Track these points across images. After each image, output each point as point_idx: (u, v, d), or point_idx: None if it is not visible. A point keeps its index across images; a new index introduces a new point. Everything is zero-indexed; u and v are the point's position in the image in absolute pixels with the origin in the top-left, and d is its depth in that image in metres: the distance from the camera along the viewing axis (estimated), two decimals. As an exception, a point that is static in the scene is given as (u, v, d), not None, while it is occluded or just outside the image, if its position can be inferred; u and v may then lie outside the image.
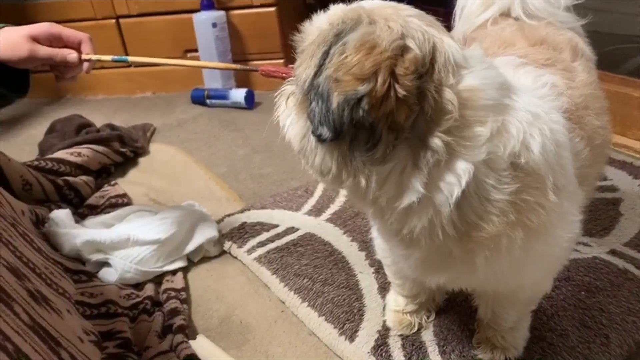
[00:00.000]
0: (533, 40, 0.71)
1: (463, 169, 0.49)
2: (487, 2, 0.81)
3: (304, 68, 0.50)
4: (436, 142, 0.48)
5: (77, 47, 0.88)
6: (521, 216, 0.53)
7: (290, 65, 0.80)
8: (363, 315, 0.86)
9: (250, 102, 1.77)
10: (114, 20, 1.87)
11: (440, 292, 0.85)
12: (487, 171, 0.51)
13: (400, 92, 0.46)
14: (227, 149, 1.54)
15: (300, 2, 2.12)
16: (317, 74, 0.49)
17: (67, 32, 0.87)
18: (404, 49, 0.47)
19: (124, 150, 1.44)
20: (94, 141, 1.39)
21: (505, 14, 0.81)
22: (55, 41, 0.86)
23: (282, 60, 1.88)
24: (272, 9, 1.79)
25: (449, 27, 0.97)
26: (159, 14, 1.84)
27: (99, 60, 0.89)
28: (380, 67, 0.46)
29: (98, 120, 1.61)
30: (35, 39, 0.84)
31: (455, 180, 0.50)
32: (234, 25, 1.82)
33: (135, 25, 1.87)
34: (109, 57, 0.89)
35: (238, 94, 1.76)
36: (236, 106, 1.77)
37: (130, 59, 0.92)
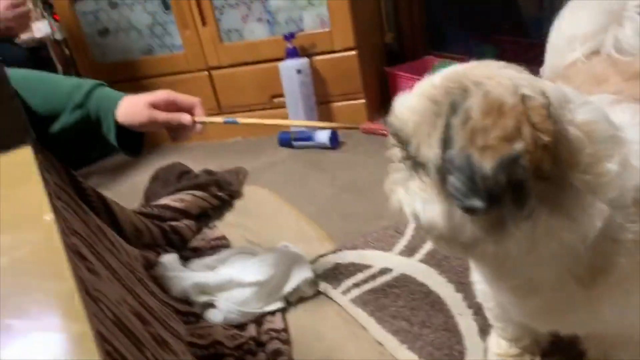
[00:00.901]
0: (627, 75, 0.70)
1: (599, 209, 0.48)
2: (577, 40, 0.81)
3: (426, 149, 0.51)
4: (575, 182, 0.48)
5: (190, 111, 0.97)
6: (607, 261, 0.52)
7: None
8: (464, 359, 0.86)
9: (335, 142, 1.83)
10: (206, 72, 2.01)
11: (545, 335, 0.83)
12: (615, 209, 0.50)
13: (545, 138, 0.46)
14: (315, 189, 1.59)
15: (379, 44, 2.18)
16: (445, 149, 0.49)
17: (181, 97, 0.96)
18: (526, 99, 0.48)
19: (221, 194, 1.52)
20: (193, 187, 1.49)
21: (597, 51, 0.80)
22: (171, 106, 0.95)
23: (363, 101, 1.93)
24: (353, 52, 1.85)
25: (534, 58, 0.98)
26: (248, 64, 1.96)
27: (211, 123, 0.97)
28: (521, 121, 0.46)
29: (195, 165, 1.73)
30: (154, 106, 0.93)
31: (592, 222, 0.49)
32: (317, 70, 1.90)
33: (225, 75, 2.00)
34: (220, 119, 0.97)
35: (322, 135, 1.82)
36: (321, 147, 1.84)
37: (240, 120, 0.99)
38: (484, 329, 0.90)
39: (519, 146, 0.45)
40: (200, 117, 0.97)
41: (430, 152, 0.50)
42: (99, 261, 0.76)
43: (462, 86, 0.50)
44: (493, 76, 0.51)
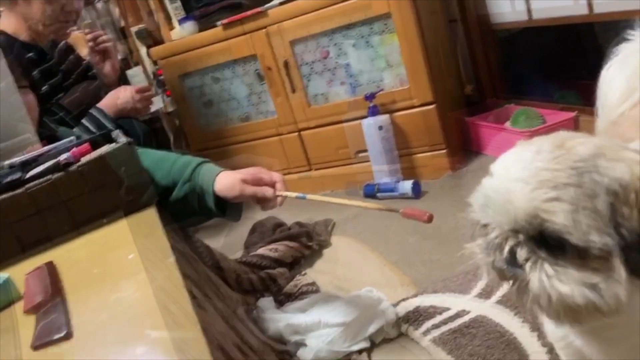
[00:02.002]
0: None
1: None
2: (627, 93, 0.87)
3: (586, 229, 0.53)
4: None
5: (273, 185, 1.14)
6: None
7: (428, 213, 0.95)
8: (538, 395, 0.90)
9: (417, 191, 1.92)
10: (296, 134, 2.21)
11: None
12: None
13: None
14: (399, 238, 1.68)
15: (458, 93, 2.27)
16: (617, 231, 0.53)
17: (266, 174, 1.15)
18: None
19: (311, 244, 1.66)
20: (287, 238, 1.65)
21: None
22: (258, 181, 1.13)
23: (444, 151, 2.02)
24: (432, 106, 1.96)
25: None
26: (333, 124, 2.13)
27: (287, 197, 1.14)
28: None
29: (288, 218, 1.89)
30: (245, 181, 1.11)
31: None
32: (398, 125, 2.02)
33: (313, 135, 2.18)
34: (294, 194, 1.13)
35: (405, 186, 1.92)
36: (404, 197, 1.93)
37: (309, 197, 1.14)
38: (558, 367, 0.93)
39: None
40: (280, 191, 1.13)
41: (599, 236, 0.52)
42: (205, 300, 0.91)
43: (593, 165, 0.54)
44: (599, 145, 0.57)
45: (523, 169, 0.56)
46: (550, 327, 0.83)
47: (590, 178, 0.53)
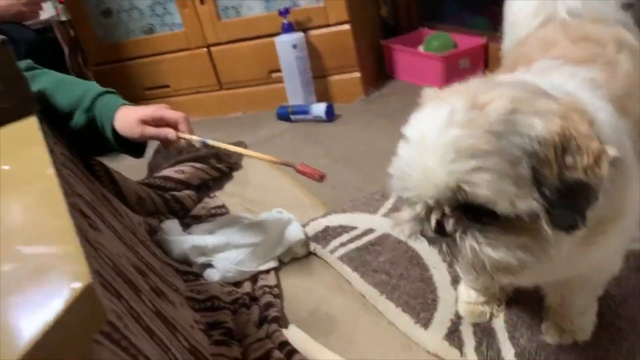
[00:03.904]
0: (575, 38, 0.75)
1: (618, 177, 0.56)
2: (531, 14, 0.87)
3: (521, 201, 0.52)
4: None
5: (176, 126, 1.06)
6: (621, 203, 0.61)
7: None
8: (437, 306, 0.94)
9: (330, 115, 1.89)
10: (205, 49, 2.08)
11: (509, 284, 0.91)
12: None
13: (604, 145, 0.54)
14: (310, 160, 1.64)
15: (373, 16, 2.22)
16: (540, 191, 0.52)
17: (168, 114, 1.06)
18: (578, 115, 0.55)
19: (220, 166, 1.60)
20: (194, 159, 1.58)
21: (552, 18, 0.86)
22: (159, 121, 1.05)
23: (358, 74, 1.99)
24: (347, 26, 1.90)
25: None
26: (245, 40, 2.02)
27: (190, 139, 1.08)
28: (592, 136, 0.53)
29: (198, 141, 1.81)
30: (144, 122, 1.04)
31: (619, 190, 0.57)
32: (313, 45, 1.95)
33: (224, 51, 2.06)
34: (196, 139, 1.07)
35: (319, 108, 1.89)
36: (317, 120, 1.90)
37: (209, 142, 1.08)
38: (456, 280, 0.98)
39: (608, 156, 0.52)
40: (183, 134, 1.07)
41: (525, 202, 0.52)
42: (101, 221, 0.84)
43: (511, 126, 0.52)
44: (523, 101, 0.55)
45: (438, 137, 0.53)
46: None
47: (509, 142, 0.52)
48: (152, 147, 1.79)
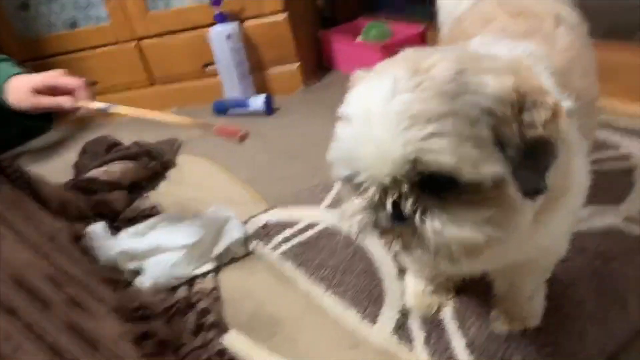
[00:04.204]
0: (514, 12, 0.73)
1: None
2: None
3: (474, 162, 0.47)
4: None
5: (74, 94, 0.96)
6: (565, 180, 0.58)
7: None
8: (383, 299, 0.89)
9: (269, 107, 1.83)
10: (134, 43, 1.96)
11: (457, 273, 0.87)
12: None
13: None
14: (250, 155, 1.59)
15: (310, 7, 2.16)
16: (522, 142, 0.48)
17: (62, 81, 0.96)
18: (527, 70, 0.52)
19: (153, 165, 1.51)
20: (123, 158, 1.47)
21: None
22: (54, 90, 0.96)
23: (297, 65, 1.93)
24: (283, 15, 1.84)
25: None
26: (177, 32, 1.91)
27: (89, 109, 0.98)
28: (544, 93, 0.50)
29: (128, 139, 1.69)
30: (37, 91, 0.94)
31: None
32: (248, 36, 1.88)
33: (155, 45, 1.95)
34: (96, 105, 0.98)
35: (257, 101, 1.82)
36: (256, 113, 1.83)
37: (112, 109, 0.99)
38: (402, 271, 0.93)
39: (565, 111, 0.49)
40: (81, 102, 0.97)
41: (490, 166, 0.47)
42: (6, 227, 0.75)
43: (463, 85, 0.48)
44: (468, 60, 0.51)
45: (386, 106, 0.47)
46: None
47: (464, 101, 0.47)
48: (76, 148, 1.67)
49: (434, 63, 0.49)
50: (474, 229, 0.48)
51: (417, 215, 0.49)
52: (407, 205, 0.49)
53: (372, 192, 0.51)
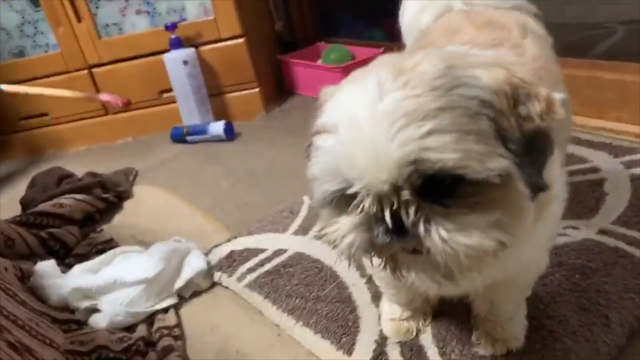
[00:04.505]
0: (480, 23, 0.71)
1: None
2: (424, 4, 0.83)
3: (480, 157, 0.43)
4: None
5: None
6: (551, 189, 0.54)
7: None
8: (359, 327, 0.84)
9: (230, 133, 1.77)
10: (86, 71, 1.88)
11: (435, 296, 0.83)
12: None
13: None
14: (211, 182, 1.53)
15: (269, 30, 2.14)
16: (521, 135, 0.46)
17: None
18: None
19: (107, 196, 1.42)
20: (75, 190, 1.39)
21: (448, 10, 0.82)
22: None
23: (257, 90, 1.89)
24: (241, 40, 1.80)
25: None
26: (131, 59, 1.85)
27: None
28: (535, 86, 0.48)
29: (81, 171, 1.61)
30: None
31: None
32: (206, 61, 1.83)
33: (108, 72, 1.88)
34: None
35: (217, 127, 1.76)
36: (216, 139, 1.77)
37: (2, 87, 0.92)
38: (377, 296, 0.89)
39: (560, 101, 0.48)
40: None
41: (496, 161, 0.44)
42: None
43: (454, 80, 0.45)
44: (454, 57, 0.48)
45: (376, 107, 0.43)
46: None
47: (459, 94, 0.44)
48: (25, 182, 1.57)
49: (419, 62, 0.45)
50: (482, 236, 0.44)
51: (421, 225, 0.45)
52: (410, 214, 0.44)
53: (368, 203, 0.46)
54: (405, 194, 0.44)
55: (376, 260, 0.49)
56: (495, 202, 0.45)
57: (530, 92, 0.46)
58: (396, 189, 0.44)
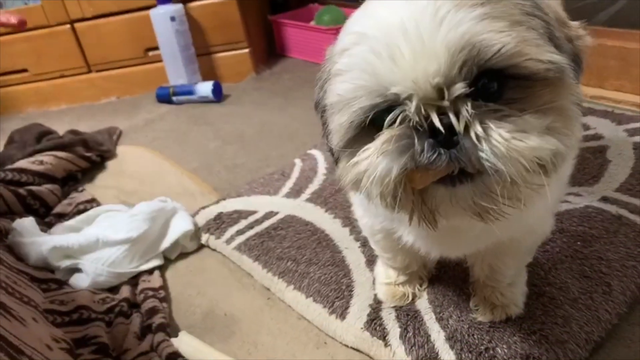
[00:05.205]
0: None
1: None
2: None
3: (536, 47, 0.39)
4: None
5: None
6: None
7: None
8: (352, 291, 0.81)
9: (218, 94, 1.71)
10: (68, 26, 1.79)
11: (433, 260, 0.80)
12: None
13: None
14: (198, 144, 1.48)
15: (261, -9, 2.07)
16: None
17: None
18: None
19: (90, 155, 1.37)
20: (56, 147, 1.32)
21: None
22: None
23: (247, 51, 1.83)
24: (232, -3, 1.73)
25: None
26: (115, 14, 1.77)
27: None
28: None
29: (62, 129, 1.54)
30: None
31: None
32: (194, 18, 1.76)
33: (91, 28, 1.80)
34: None
35: (205, 88, 1.70)
36: (204, 100, 1.71)
37: None
38: (372, 260, 0.86)
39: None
40: None
41: (553, 54, 0.40)
42: None
43: None
44: None
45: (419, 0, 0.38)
46: (365, 220, 0.72)
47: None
48: (3, 138, 1.50)
49: None
50: (541, 140, 0.39)
51: (478, 126, 0.38)
52: (465, 113, 0.38)
53: (412, 108, 0.39)
54: (459, 88, 0.38)
55: (405, 203, 0.43)
56: (545, 107, 0.40)
57: (565, 20, 0.46)
58: (441, 93, 0.39)
